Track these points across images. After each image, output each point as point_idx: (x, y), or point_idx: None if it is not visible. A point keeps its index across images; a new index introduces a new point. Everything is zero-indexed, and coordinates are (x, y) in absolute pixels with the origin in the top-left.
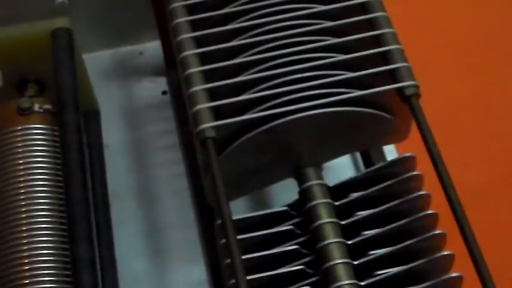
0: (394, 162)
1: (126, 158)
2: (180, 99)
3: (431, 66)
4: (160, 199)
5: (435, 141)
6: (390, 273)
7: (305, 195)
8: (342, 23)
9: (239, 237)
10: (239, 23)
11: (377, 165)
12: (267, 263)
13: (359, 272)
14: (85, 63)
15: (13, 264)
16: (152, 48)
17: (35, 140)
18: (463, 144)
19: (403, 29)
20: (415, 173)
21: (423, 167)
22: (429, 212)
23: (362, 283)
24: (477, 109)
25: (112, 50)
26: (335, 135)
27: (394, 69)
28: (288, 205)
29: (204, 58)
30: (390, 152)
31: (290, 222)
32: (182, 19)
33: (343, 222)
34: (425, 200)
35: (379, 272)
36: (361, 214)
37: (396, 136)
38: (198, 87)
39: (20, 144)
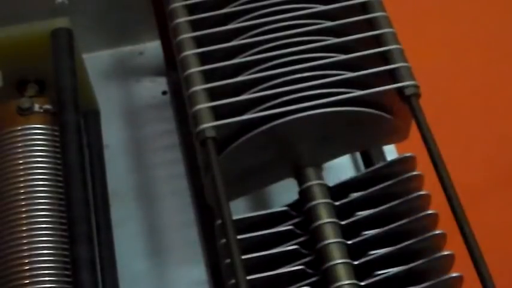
0: (394, 162)
1: (126, 158)
2: (180, 99)
3: (431, 66)
4: (160, 199)
5: (435, 141)
6: (390, 273)
7: (305, 195)
8: (342, 23)
9: (239, 237)
10: (239, 23)
11: (377, 165)
12: (267, 263)
13: (359, 272)
14: (85, 63)
15: (13, 264)
16: (152, 48)
17: (35, 140)
18: (463, 144)
19: (403, 29)
20: (415, 173)
21: (423, 167)
22: (429, 212)
23: (362, 283)
24: (477, 109)
25: (112, 50)
26: (335, 135)
27: (394, 69)
28: (288, 205)
29: (204, 58)
30: (390, 152)
31: (290, 222)
32: (182, 19)
33: (343, 222)
34: (425, 200)
35: (379, 272)
36: (361, 214)
37: (396, 136)
38: (198, 87)
39: (20, 144)
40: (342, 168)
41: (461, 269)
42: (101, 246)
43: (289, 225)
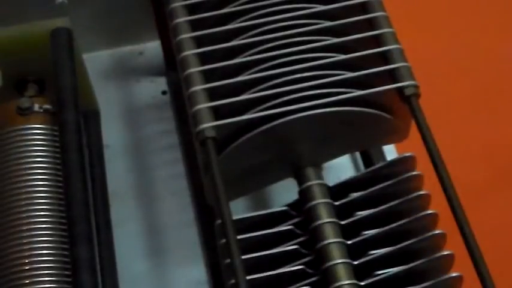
0: (394, 162)
1: (126, 158)
2: (180, 99)
3: (431, 66)
4: (160, 199)
5: (435, 141)
6: (390, 273)
7: (305, 195)
8: (341, 23)
9: (239, 237)
10: (239, 23)
11: (377, 165)
12: (267, 263)
13: (359, 272)
14: (85, 63)
15: (13, 264)
16: (152, 48)
17: (35, 140)
18: (463, 144)
19: (403, 29)
20: (415, 173)
21: (423, 167)
22: (429, 212)
23: (362, 283)
24: (477, 109)
25: (112, 50)
26: (335, 135)
27: (393, 69)
28: (288, 205)
29: (204, 58)
30: (390, 152)
31: (290, 222)
32: (182, 19)
33: (343, 222)
34: (425, 200)
35: (379, 272)
36: (361, 214)
37: (396, 136)
38: (198, 87)
39: (20, 144)
40: (342, 168)
41: (461, 269)
42: (101, 246)
43: (289, 225)
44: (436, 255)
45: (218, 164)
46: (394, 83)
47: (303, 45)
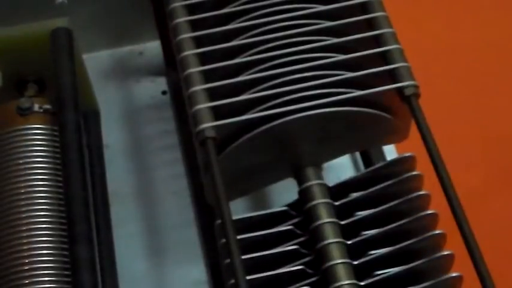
0: (394, 162)
1: (126, 158)
2: (180, 99)
3: (431, 66)
4: (160, 199)
5: (435, 141)
6: (390, 273)
7: (305, 195)
8: (341, 23)
9: (239, 237)
10: (239, 23)
11: (377, 165)
12: (267, 263)
13: (359, 272)
14: (85, 63)
15: (13, 264)
16: (152, 48)
17: (35, 140)
18: (462, 144)
19: (403, 29)
20: (415, 173)
21: (423, 167)
22: (429, 212)
23: (362, 283)
24: (477, 109)
25: (112, 50)
26: (335, 135)
27: (393, 69)
28: (288, 205)
29: (204, 58)
30: (390, 152)
31: (290, 222)
32: (182, 19)
33: (343, 222)
34: (425, 200)
35: (379, 272)
36: (361, 214)
37: (396, 136)
38: (198, 87)
39: (20, 144)
40: (342, 168)
41: (461, 269)
42: (101, 246)
43: (289, 225)
44: (436, 255)
45: (218, 164)
46: (394, 83)
47: (303, 45)
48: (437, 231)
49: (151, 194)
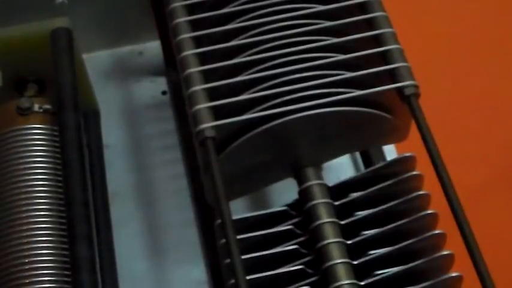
0: (394, 162)
1: (126, 158)
2: (179, 99)
3: (431, 66)
4: (160, 199)
5: (435, 141)
6: (390, 273)
7: (305, 195)
8: (341, 23)
9: (239, 237)
10: (239, 23)
11: (377, 165)
12: (267, 263)
13: (359, 272)
14: (85, 63)
15: (13, 264)
16: (152, 48)
17: (35, 140)
18: (462, 144)
19: (403, 29)
20: (415, 173)
21: (423, 167)
22: (429, 212)
23: (362, 283)
24: (477, 109)
25: (112, 50)
26: (335, 135)
27: (393, 69)
28: (288, 205)
29: (203, 58)
30: (390, 152)
31: (290, 222)
32: (182, 19)
33: (342, 222)
34: (425, 200)
35: (379, 272)
36: (361, 214)
37: (396, 136)
38: (198, 87)
39: (19, 144)
40: (341, 168)
41: (461, 269)
42: (101, 246)
43: (289, 225)
44: (436, 255)
45: (218, 164)
46: (394, 83)
47: (302, 45)
48: (437, 231)
49: (151, 194)
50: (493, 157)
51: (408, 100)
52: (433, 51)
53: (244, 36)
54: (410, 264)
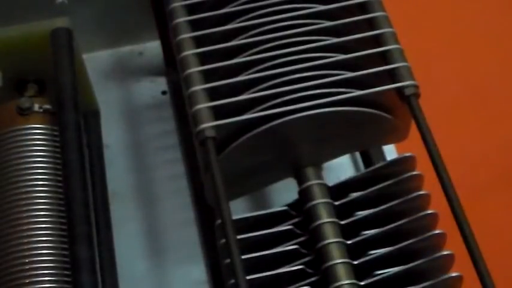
0: (394, 162)
1: (126, 158)
2: (180, 99)
3: (431, 66)
4: (160, 199)
5: (435, 141)
6: (390, 273)
7: (305, 195)
8: (341, 23)
9: (239, 237)
10: (239, 22)
11: (377, 165)
12: (267, 263)
13: (359, 272)
14: (85, 63)
15: (13, 264)
16: (152, 48)
17: (35, 140)
18: (463, 144)
19: (403, 29)
20: (415, 173)
21: (423, 167)
22: (429, 212)
23: (362, 283)
24: (477, 109)
25: (112, 50)
26: (335, 135)
27: (393, 69)
28: (288, 205)
29: (204, 58)
30: (390, 152)
31: (290, 222)
32: (182, 19)
33: (342, 222)
34: (425, 200)
35: (379, 272)
36: (361, 214)
37: (396, 136)
38: (198, 87)
39: (20, 144)
40: (342, 168)
41: (461, 269)
42: (101, 246)
43: (289, 225)
44: (436, 255)
45: (218, 164)
46: (394, 83)
47: (302, 45)
48: (437, 231)
49: (151, 194)
50: (493, 157)
51: (408, 100)
52: (433, 51)
53: (244, 36)
54: (411, 264)
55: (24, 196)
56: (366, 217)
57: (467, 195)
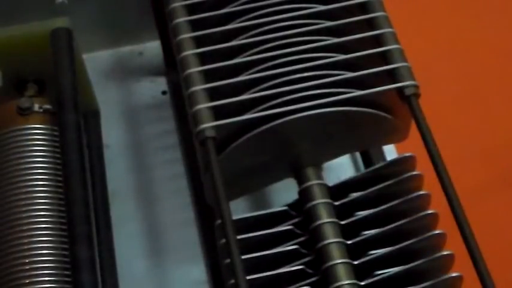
0: (394, 162)
1: (126, 158)
2: (180, 99)
3: (431, 66)
4: (160, 199)
5: (435, 141)
6: (390, 273)
7: (305, 195)
8: (341, 23)
9: (239, 237)
10: (239, 23)
11: (377, 165)
12: (267, 263)
13: (359, 272)
14: (85, 63)
15: (13, 264)
16: (152, 48)
17: (35, 140)
18: (462, 144)
19: (403, 29)
20: (415, 173)
21: (423, 167)
22: (429, 212)
23: (362, 283)
24: (477, 109)
25: (112, 50)
26: (335, 135)
27: (393, 69)
28: (288, 205)
29: (204, 58)
30: (390, 152)
31: (290, 222)
32: (182, 19)
33: (342, 222)
34: (425, 200)
35: (379, 272)
36: (361, 214)
37: (396, 136)
38: (198, 87)
39: (20, 144)
40: (342, 168)
41: (461, 269)
42: (101, 246)
43: (289, 225)
44: (436, 255)
45: (218, 164)
46: (394, 83)
47: (303, 45)
48: (437, 231)
49: (151, 193)
50: (493, 157)
51: (408, 100)
52: (433, 51)
53: (244, 36)
54: (411, 264)
55: (24, 196)
56: (366, 217)
57: (467, 195)
